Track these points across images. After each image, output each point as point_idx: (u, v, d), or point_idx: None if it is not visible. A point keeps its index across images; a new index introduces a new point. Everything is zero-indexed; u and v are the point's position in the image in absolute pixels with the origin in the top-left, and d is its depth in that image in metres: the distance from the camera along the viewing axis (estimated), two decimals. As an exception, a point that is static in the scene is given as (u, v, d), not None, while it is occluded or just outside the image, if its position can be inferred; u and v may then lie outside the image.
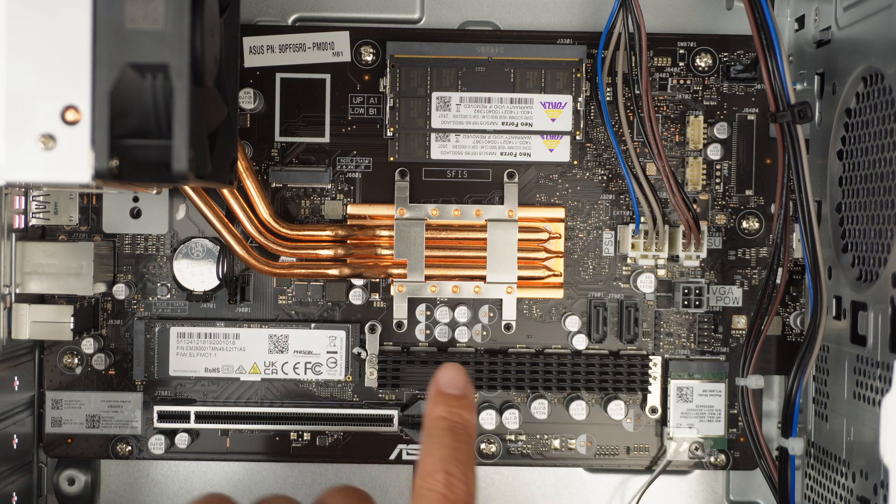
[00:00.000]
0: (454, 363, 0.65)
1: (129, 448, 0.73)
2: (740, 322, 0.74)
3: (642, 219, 0.71)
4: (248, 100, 0.72)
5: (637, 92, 0.68)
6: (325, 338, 0.73)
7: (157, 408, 0.72)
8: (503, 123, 0.71)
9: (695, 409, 0.73)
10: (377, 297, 0.73)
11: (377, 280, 0.73)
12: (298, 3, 0.75)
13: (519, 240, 0.72)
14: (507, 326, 0.73)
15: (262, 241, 0.71)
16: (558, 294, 0.73)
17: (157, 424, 0.72)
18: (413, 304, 0.73)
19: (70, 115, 0.49)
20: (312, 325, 0.73)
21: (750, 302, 0.73)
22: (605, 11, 0.70)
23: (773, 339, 0.73)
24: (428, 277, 0.72)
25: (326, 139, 0.73)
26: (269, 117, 0.73)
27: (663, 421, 0.74)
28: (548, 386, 0.72)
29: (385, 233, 0.72)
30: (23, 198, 0.71)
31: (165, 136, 0.50)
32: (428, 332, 0.73)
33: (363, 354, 0.73)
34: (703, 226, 0.71)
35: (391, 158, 0.72)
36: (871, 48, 0.61)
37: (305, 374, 0.73)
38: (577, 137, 0.72)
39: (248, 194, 0.70)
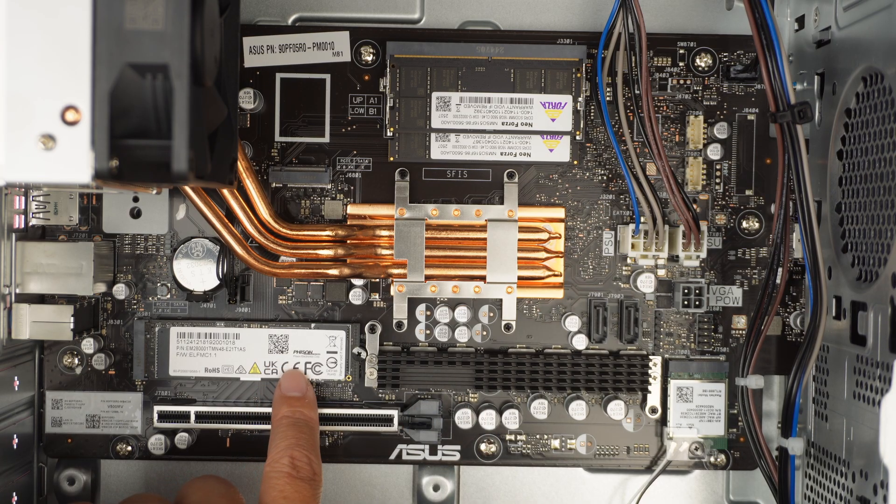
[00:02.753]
0: (296, 370, 0.69)
1: (129, 448, 0.73)
2: (740, 322, 0.74)
3: (642, 219, 0.71)
4: (248, 100, 0.72)
5: (637, 92, 0.68)
6: (325, 338, 0.73)
7: (157, 408, 0.72)
8: (503, 123, 0.71)
9: (695, 409, 0.73)
10: (377, 297, 0.73)
11: (377, 280, 0.73)
12: (298, 3, 0.75)
13: (519, 240, 0.72)
14: (507, 326, 0.73)
15: (262, 241, 0.71)
16: (558, 294, 0.73)
17: (157, 424, 0.72)
18: (413, 304, 0.73)
19: (70, 116, 0.49)
20: (312, 325, 0.73)
21: (750, 302, 0.73)
22: (605, 11, 0.70)
23: (773, 339, 0.73)
24: (428, 277, 0.72)
25: (326, 139, 0.73)
26: (269, 117, 0.73)
27: (663, 421, 0.74)
28: (548, 386, 0.72)
29: (385, 233, 0.72)
30: (23, 198, 0.71)
31: (165, 137, 0.50)
32: (428, 332, 0.73)
33: (363, 354, 0.73)
34: (703, 226, 0.71)
35: (391, 158, 0.72)
36: (871, 48, 0.61)
37: (305, 374, 0.73)
38: (577, 137, 0.72)
39: (248, 194, 0.70)
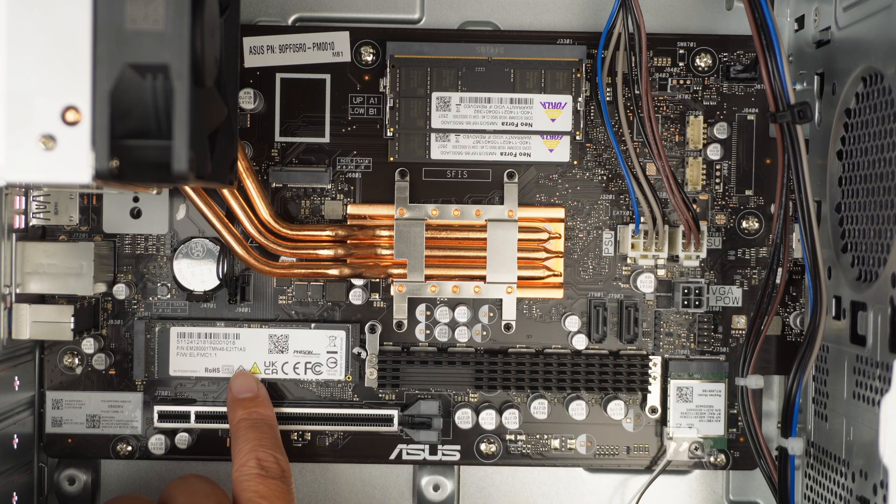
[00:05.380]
0: (244, 371, 0.70)
1: (130, 448, 0.73)
2: (740, 322, 0.74)
3: (642, 219, 0.71)
4: (248, 100, 0.72)
5: (637, 92, 0.69)
6: (325, 338, 0.73)
7: (157, 408, 0.72)
8: (503, 123, 0.72)
9: (694, 408, 0.73)
10: (377, 297, 0.73)
11: (377, 280, 0.73)
12: (298, 3, 0.75)
13: (519, 240, 0.72)
14: (507, 326, 0.73)
15: (262, 241, 0.71)
16: (558, 294, 0.73)
17: (157, 424, 0.72)
18: (413, 304, 0.73)
19: (70, 116, 0.49)
20: (312, 325, 0.73)
21: (750, 302, 0.73)
22: (605, 11, 0.70)
23: (772, 339, 0.73)
24: (428, 277, 0.72)
25: (326, 139, 0.73)
26: (269, 117, 0.73)
27: (663, 421, 0.74)
28: (548, 386, 0.72)
29: (385, 233, 0.72)
30: (23, 198, 0.71)
31: (165, 137, 0.50)
32: (428, 332, 0.73)
33: (363, 354, 0.73)
34: (703, 226, 0.71)
35: (391, 158, 0.72)
36: (870, 48, 0.61)
37: (305, 374, 0.73)
38: (577, 137, 0.72)
39: (248, 194, 0.70)
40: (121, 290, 0.72)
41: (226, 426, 0.72)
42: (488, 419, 0.73)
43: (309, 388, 0.73)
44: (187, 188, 0.68)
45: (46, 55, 0.49)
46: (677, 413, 0.73)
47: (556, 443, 0.74)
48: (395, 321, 0.73)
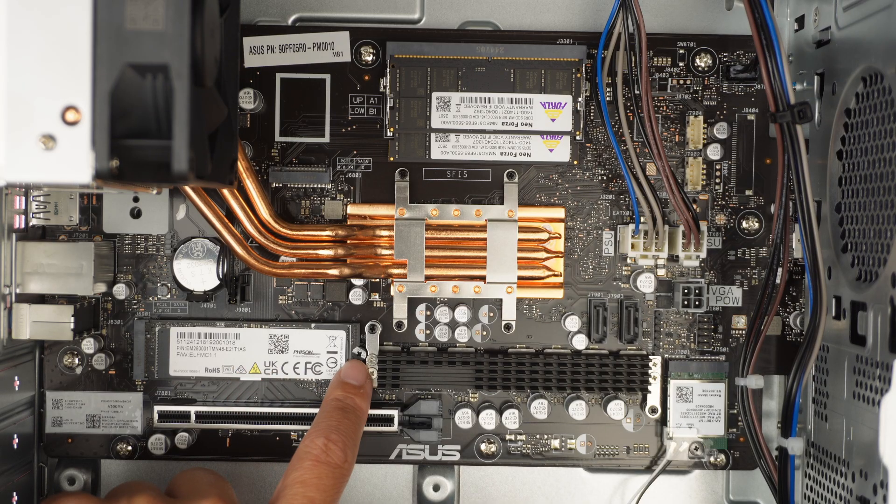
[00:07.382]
0: (359, 361, 0.69)
1: (130, 448, 0.73)
2: (740, 322, 0.74)
3: (642, 219, 0.71)
4: (248, 100, 0.72)
5: (637, 92, 0.69)
6: (325, 338, 0.73)
7: (157, 408, 0.72)
8: (503, 123, 0.72)
9: (694, 408, 0.73)
10: (377, 297, 0.73)
11: (377, 280, 0.73)
12: (298, 3, 0.75)
13: (519, 240, 0.72)
14: (507, 326, 0.73)
15: (262, 241, 0.71)
16: (558, 294, 0.73)
17: (157, 424, 0.72)
18: (413, 304, 0.73)
19: (70, 116, 0.49)
20: (312, 325, 0.73)
21: (750, 302, 0.73)
22: (605, 11, 0.70)
23: (772, 339, 0.73)
24: (428, 277, 0.72)
25: (326, 139, 0.73)
26: (269, 117, 0.73)
27: (663, 421, 0.74)
28: (548, 386, 0.72)
29: (385, 233, 0.72)
30: (23, 198, 0.71)
31: (165, 137, 0.50)
32: (428, 332, 0.73)
33: (363, 354, 0.73)
34: (703, 226, 0.71)
35: (391, 158, 0.72)
36: (870, 48, 0.61)
37: (305, 374, 0.73)
38: (577, 137, 0.72)
39: (248, 194, 0.70)
40: (121, 290, 0.72)
41: (226, 426, 0.73)
42: (488, 419, 0.73)
43: (309, 388, 0.73)
44: (187, 188, 0.68)
45: (46, 55, 0.49)
46: (677, 413, 0.73)
47: (556, 443, 0.74)
48: (395, 321, 0.73)
